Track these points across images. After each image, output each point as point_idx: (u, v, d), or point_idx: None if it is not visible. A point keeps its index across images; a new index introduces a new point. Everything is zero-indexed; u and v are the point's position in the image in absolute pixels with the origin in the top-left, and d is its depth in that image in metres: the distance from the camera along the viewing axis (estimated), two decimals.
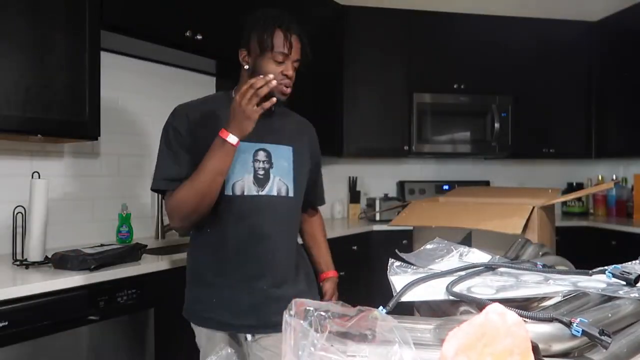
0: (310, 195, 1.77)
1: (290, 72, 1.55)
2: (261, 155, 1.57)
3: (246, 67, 1.57)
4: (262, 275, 1.56)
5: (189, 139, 1.52)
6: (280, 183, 1.58)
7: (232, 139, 1.40)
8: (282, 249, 1.60)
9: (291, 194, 1.61)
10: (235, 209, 1.53)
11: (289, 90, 1.56)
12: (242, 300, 1.55)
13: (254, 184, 1.55)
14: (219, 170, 1.43)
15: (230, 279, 1.56)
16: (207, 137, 1.46)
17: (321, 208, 1.95)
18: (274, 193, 1.57)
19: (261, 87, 1.37)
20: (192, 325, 1.67)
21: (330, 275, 1.89)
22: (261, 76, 1.40)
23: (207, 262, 1.59)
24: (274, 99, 1.42)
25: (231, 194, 1.53)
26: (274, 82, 1.39)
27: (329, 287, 1.86)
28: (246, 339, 1.61)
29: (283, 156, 1.61)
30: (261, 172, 1.56)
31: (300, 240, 1.83)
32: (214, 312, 1.57)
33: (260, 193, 1.55)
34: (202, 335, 1.63)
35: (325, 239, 1.95)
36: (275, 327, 1.53)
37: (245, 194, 1.54)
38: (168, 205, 1.52)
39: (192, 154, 1.51)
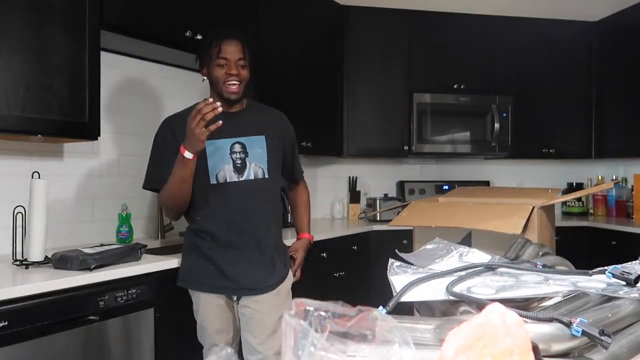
0: (290, 173, 2.12)
1: (234, 71, 1.83)
2: (237, 148, 1.87)
3: (204, 78, 1.91)
4: (248, 247, 1.87)
5: (173, 144, 1.81)
6: (257, 168, 1.89)
7: (188, 154, 1.69)
8: (263, 223, 1.91)
9: (266, 175, 1.91)
10: (220, 194, 1.85)
11: (235, 87, 1.85)
12: (233, 268, 1.86)
13: (234, 172, 1.86)
14: (181, 179, 1.76)
15: (223, 253, 1.86)
16: None
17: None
18: (252, 177, 1.88)
19: (207, 112, 1.61)
20: (191, 292, 1.94)
21: (300, 237, 2.18)
22: (210, 99, 1.66)
23: (203, 242, 1.89)
24: (220, 122, 1.65)
25: (216, 182, 1.85)
26: (220, 109, 1.63)
27: (294, 247, 2.13)
28: (237, 299, 1.92)
29: (257, 145, 1.90)
30: (238, 161, 1.87)
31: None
32: (211, 278, 1.87)
33: (240, 179, 1.86)
34: (200, 300, 1.91)
35: (305, 206, 2.22)
36: (272, 286, 1.89)
37: (227, 181, 1.86)
38: (159, 200, 1.93)
39: (174, 157, 1.77)
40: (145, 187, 1.97)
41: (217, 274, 1.87)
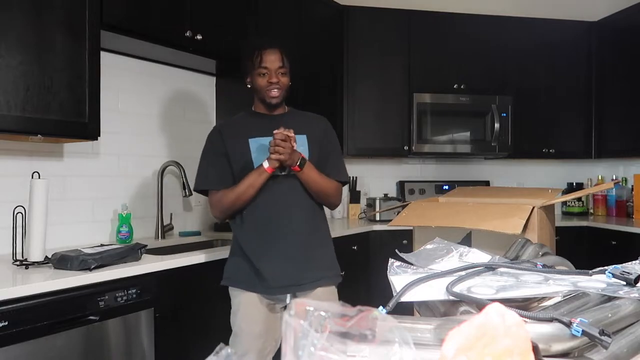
0: (326, 169, 2.03)
1: (274, 79, 1.94)
2: None
3: (249, 85, 2.01)
4: (292, 243, 1.91)
5: (222, 148, 1.96)
6: None
7: (266, 163, 1.84)
8: (305, 218, 1.96)
9: None
10: (264, 190, 1.90)
11: (276, 93, 1.96)
12: (279, 266, 1.89)
13: (277, 168, 1.89)
14: (251, 184, 1.87)
15: (268, 250, 1.90)
16: (234, 145, 1.95)
17: None
18: (293, 173, 1.91)
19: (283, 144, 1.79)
20: (233, 293, 1.96)
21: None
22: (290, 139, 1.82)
23: (247, 237, 1.94)
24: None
25: None
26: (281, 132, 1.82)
27: None
28: (285, 300, 1.93)
29: (299, 143, 1.92)
30: None
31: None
32: (254, 277, 1.90)
33: (282, 173, 1.91)
34: (241, 301, 1.92)
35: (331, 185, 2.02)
36: (309, 284, 1.93)
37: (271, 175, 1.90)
38: (210, 200, 1.99)
39: (224, 159, 1.95)
40: (195, 188, 2.03)
41: (260, 273, 1.89)
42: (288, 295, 1.92)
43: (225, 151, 1.95)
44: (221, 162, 1.95)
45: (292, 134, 1.82)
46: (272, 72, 1.93)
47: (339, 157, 2.11)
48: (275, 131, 1.81)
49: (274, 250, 1.90)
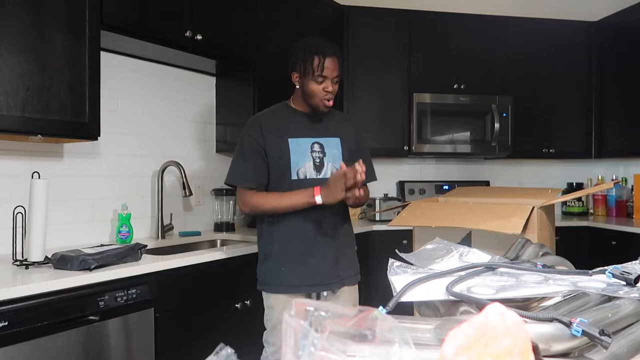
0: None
1: (330, 88, 1.94)
2: (316, 147, 1.98)
3: (297, 87, 1.99)
4: (324, 243, 1.96)
5: (261, 144, 1.94)
6: (333, 168, 1.99)
7: (319, 199, 1.83)
8: (337, 220, 2.01)
9: None
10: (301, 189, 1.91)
11: (330, 102, 1.97)
12: (312, 265, 1.94)
13: (313, 169, 1.97)
14: (293, 208, 1.89)
15: (299, 250, 1.94)
16: (273, 143, 1.94)
17: None
18: (329, 176, 1.93)
19: (350, 178, 1.75)
20: (268, 294, 1.99)
21: None
22: (355, 167, 1.75)
23: (278, 238, 1.97)
24: (359, 192, 1.81)
25: (297, 177, 1.94)
26: (359, 177, 1.75)
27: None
28: (322, 296, 2.02)
29: (333, 146, 2.02)
30: (317, 160, 1.97)
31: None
32: (287, 278, 1.94)
33: (319, 177, 1.96)
34: (279, 301, 1.95)
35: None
36: (342, 281, 2.01)
37: (307, 177, 1.95)
38: (241, 196, 1.96)
39: (261, 156, 1.94)
40: (229, 182, 2.01)
41: (293, 274, 1.94)
42: (324, 293, 2.02)
43: (264, 147, 1.94)
44: (257, 159, 1.94)
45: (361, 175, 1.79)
46: (329, 80, 1.92)
47: (369, 157, 2.14)
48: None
49: (307, 252, 1.94)
